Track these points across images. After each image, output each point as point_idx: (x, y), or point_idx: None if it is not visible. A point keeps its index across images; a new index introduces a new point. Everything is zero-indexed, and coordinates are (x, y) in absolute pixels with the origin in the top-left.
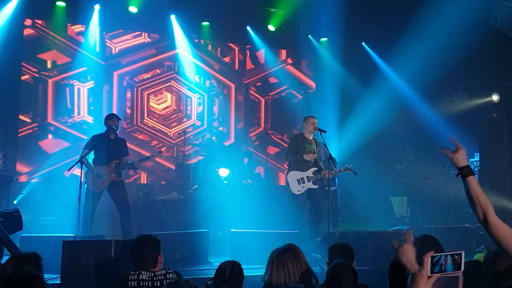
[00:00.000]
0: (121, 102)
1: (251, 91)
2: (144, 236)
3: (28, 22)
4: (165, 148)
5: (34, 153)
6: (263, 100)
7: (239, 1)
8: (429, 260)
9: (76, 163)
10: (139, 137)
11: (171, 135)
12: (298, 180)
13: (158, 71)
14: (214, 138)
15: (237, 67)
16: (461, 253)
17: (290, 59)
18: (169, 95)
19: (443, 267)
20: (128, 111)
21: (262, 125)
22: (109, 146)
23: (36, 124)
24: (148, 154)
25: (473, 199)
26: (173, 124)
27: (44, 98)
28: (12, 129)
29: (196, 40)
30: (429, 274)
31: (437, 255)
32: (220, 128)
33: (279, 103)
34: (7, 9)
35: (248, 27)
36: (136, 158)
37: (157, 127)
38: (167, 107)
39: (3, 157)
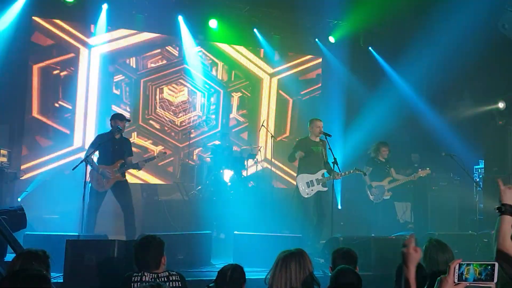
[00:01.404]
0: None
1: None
2: (148, 237)
3: (35, 20)
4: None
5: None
6: (265, 102)
7: (247, 3)
8: (457, 267)
9: (81, 162)
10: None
11: (178, 123)
12: (307, 183)
13: (164, 65)
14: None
15: (240, 69)
16: (494, 264)
17: (296, 62)
18: (180, 88)
19: (463, 276)
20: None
21: (267, 128)
22: (114, 146)
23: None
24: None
25: (498, 237)
26: (180, 114)
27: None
28: (18, 127)
29: (200, 47)
30: (455, 281)
31: (463, 263)
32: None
33: (284, 105)
34: (15, 7)
35: (255, 30)
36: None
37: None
38: (173, 101)
39: (8, 154)
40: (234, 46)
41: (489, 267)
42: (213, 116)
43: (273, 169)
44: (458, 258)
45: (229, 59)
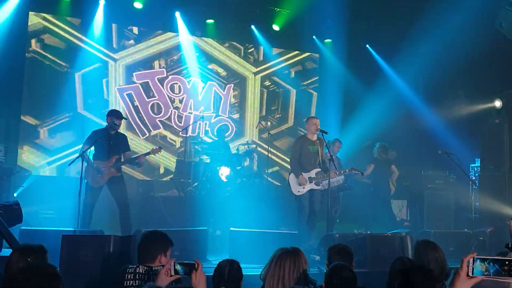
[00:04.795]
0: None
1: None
2: (154, 232)
3: (32, 14)
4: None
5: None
6: (262, 98)
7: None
8: (471, 261)
9: (77, 158)
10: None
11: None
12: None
13: (161, 64)
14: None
15: (239, 65)
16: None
17: (294, 59)
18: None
19: (469, 272)
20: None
21: (262, 125)
22: (109, 141)
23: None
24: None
25: None
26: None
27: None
28: (13, 122)
29: (197, 44)
30: (470, 274)
31: (478, 258)
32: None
33: (281, 103)
34: (11, 2)
35: (252, 26)
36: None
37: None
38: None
39: (4, 149)
40: (231, 42)
41: (506, 262)
42: (213, 115)
43: (269, 165)
44: (473, 253)
45: (225, 54)
